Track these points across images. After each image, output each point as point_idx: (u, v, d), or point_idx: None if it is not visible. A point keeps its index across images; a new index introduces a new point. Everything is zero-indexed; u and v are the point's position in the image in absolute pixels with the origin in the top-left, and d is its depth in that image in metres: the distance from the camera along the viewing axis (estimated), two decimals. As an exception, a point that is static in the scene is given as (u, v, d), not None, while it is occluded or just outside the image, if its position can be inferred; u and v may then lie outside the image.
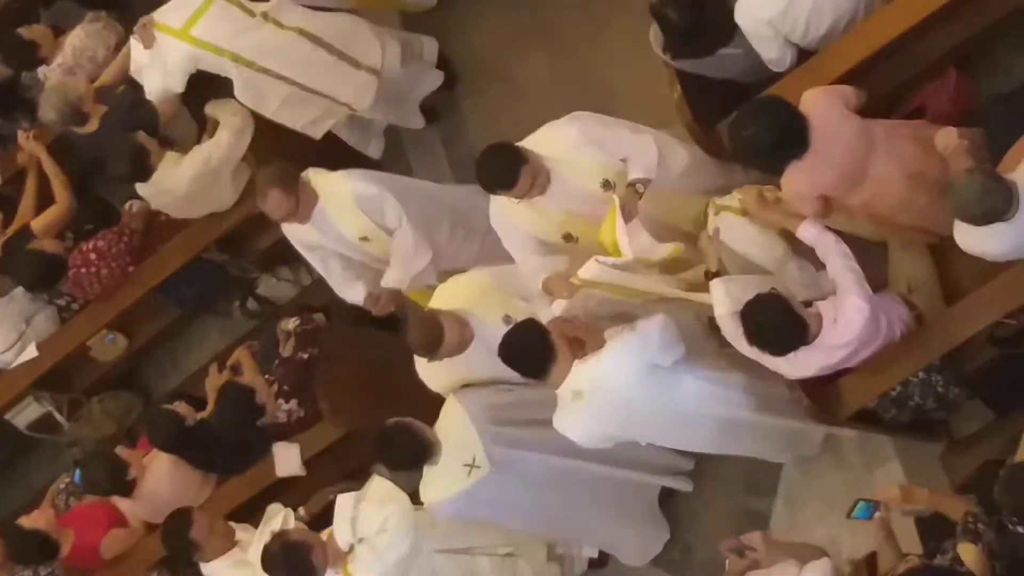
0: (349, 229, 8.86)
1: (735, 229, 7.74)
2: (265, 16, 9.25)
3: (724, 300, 7.49)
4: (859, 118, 7.33)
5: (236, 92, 9.35)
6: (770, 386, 7.94)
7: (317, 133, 9.57)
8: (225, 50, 9.23)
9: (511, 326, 7.93)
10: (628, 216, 7.86)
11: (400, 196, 8.79)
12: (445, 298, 8.46)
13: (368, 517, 8.36)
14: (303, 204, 8.77)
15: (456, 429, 8.29)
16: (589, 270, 7.79)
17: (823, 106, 7.29)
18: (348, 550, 8.41)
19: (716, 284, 7.57)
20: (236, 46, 9.23)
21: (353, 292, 9.17)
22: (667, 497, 8.91)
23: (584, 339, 7.80)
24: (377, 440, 8.32)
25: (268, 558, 8.31)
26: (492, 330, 8.15)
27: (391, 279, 8.88)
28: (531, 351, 7.78)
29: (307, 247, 9.10)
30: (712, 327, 7.97)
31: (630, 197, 7.84)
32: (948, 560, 7.14)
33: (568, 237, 8.18)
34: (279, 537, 8.38)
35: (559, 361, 7.70)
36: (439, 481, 8.33)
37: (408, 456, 8.30)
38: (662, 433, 8.05)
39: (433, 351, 8.20)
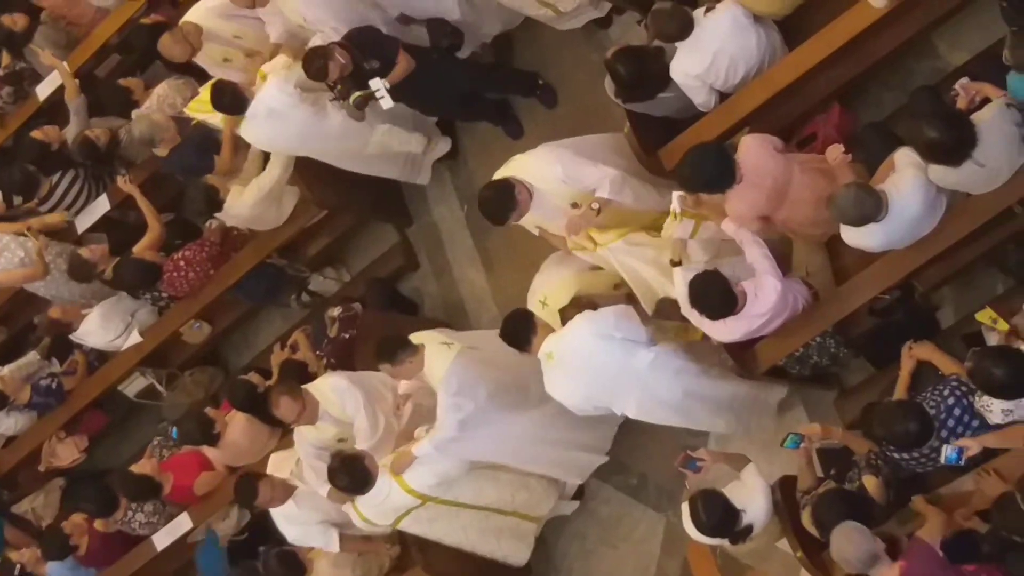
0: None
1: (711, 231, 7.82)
2: None
3: (681, 283, 7.54)
4: (782, 156, 7.41)
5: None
6: (709, 357, 7.98)
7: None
8: None
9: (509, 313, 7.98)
10: (573, 229, 8.01)
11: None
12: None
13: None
14: (310, 407, 8.65)
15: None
16: None
17: (755, 148, 7.40)
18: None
19: (677, 271, 7.62)
20: None
21: None
22: (623, 434, 8.81)
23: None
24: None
25: (332, 473, 8.23)
26: None
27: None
28: (517, 329, 7.85)
29: (317, 449, 8.72)
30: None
31: (587, 214, 7.91)
32: (855, 487, 7.23)
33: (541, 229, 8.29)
34: (336, 455, 8.28)
35: (539, 335, 7.76)
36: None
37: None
38: (630, 401, 7.91)
39: None
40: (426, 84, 8.88)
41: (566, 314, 8.03)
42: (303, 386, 8.74)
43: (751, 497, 7.43)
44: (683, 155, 7.48)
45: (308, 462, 8.72)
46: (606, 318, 7.73)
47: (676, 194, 7.65)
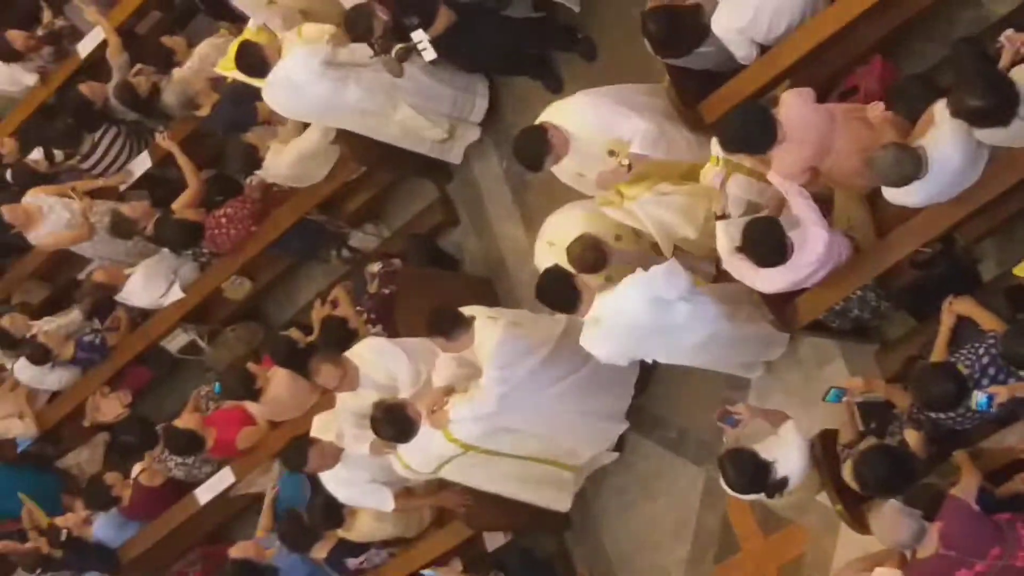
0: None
1: (740, 183, 7.72)
2: None
3: (724, 237, 7.51)
4: (824, 108, 7.34)
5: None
6: (743, 303, 7.96)
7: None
8: None
9: (545, 271, 7.89)
10: (603, 184, 7.98)
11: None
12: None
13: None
14: (351, 373, 8.66)
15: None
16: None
17: (797, 104, 7.33)
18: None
19: (720, 225, 7.57)
20: None
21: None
22: (661, 387, 8.89)
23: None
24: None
25: (375, 422, 8.24)
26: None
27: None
28: (562, 294, 7.78)
29: (358, 417, 8.64)
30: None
31: (618, 171, 7.90)
32: (896, 442, 7.22)
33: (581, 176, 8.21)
34: (379, 405, 8.29)
35: (584, 299, 7.72)
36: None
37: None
38: (660, 350, 8.01)
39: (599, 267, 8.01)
40: (467, 38, 8.85)
41: (572, 251, 7.98)
42: (344, 353, 8.75)
43: (786, 453, 7.44)
44: (723, 115, 7.45)
45: (348, 431, 8.73)
46: (656, 281, 7.63)
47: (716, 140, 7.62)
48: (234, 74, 9.51)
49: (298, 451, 8.82)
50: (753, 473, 7.35)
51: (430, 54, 8.70)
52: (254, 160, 9.84)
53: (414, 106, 9.31)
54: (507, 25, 9.16)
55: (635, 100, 8.07)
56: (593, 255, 7.98)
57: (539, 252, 8.52)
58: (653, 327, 7.73)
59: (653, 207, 8.01)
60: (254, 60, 9.11)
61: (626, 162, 7.86)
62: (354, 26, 8.63)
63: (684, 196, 7.96)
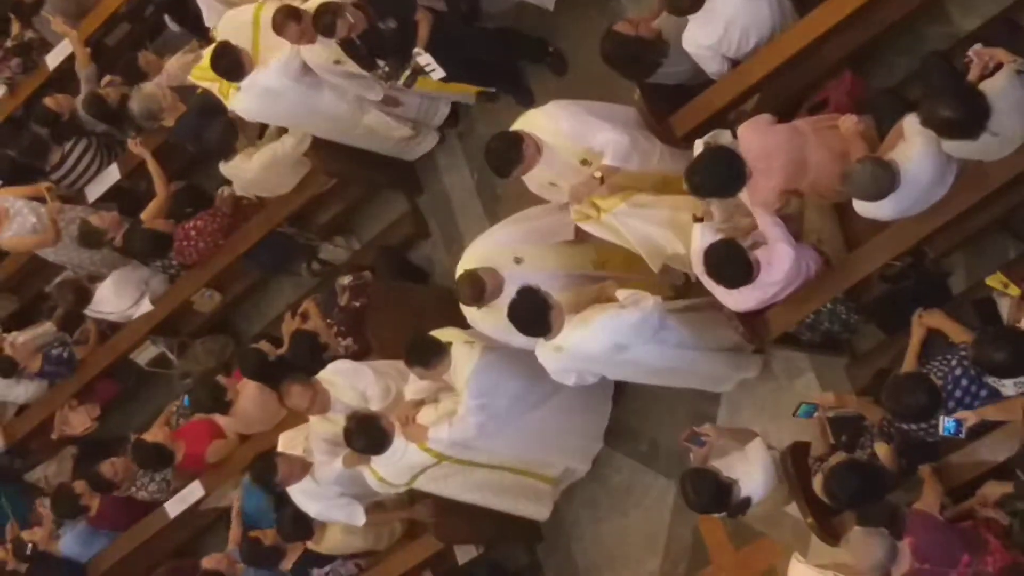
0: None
1: None
2: None
3: (699, 240, 7.50)
4: (785, 125, 7.35)
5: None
6: (720, 325, 7.99)
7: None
8: None
9: (519, 288, 7.76)
10: (577, 196, 7.94)
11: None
12: (466, 263, 8.25)
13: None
14: (321, 396, 8.59)
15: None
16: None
17: (751, 135, 7.34)
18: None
19: (697, 227, 7.54)
20: None
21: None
22: (634, 401, 8.89)
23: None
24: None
25: (349, 435, 8.22)
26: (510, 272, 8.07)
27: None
28: (536, 319, 7.72)
29: (329, 443, 8.63)
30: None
31: (590, 183, 7.88)
32: (866, 455, 7.21)
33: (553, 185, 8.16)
34: (353, 417, 8.27)
35: (556, 322, 7.69)
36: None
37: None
38: (618, 375, 8.15)
39: (480, 300, 7.99)
40: (439, 47, 8.81)
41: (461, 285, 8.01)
42: (314, 376, 8.72)
43: (750, 472, 7.45)
44: (691, 163, 7.38)
45: (318, 457, 8.71)
46: (625, 327, 7.65)
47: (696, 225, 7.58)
48: (205, 84, 9.49)
49: (266, 465, 8.78)
50: (713, 494, 7.36)
51: (439, 73, 8.70)
52: (230, 144, 9.73)
53: (382, 110, 9.32)
54: (479, 35, 9.15)
55: (609, 111, 8.06)
56: (471, 290, 7.96)
57: (494, 256, 8.31)
58: (610, 362, 7.83)
59: (635, 221, 7.95)
60: (230, 63, 9.06)
61: (598, 174, 7.85)
62: (317, 21, 8.62)
63: (667, 209, 7.92)
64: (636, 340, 7.69)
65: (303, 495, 8.83)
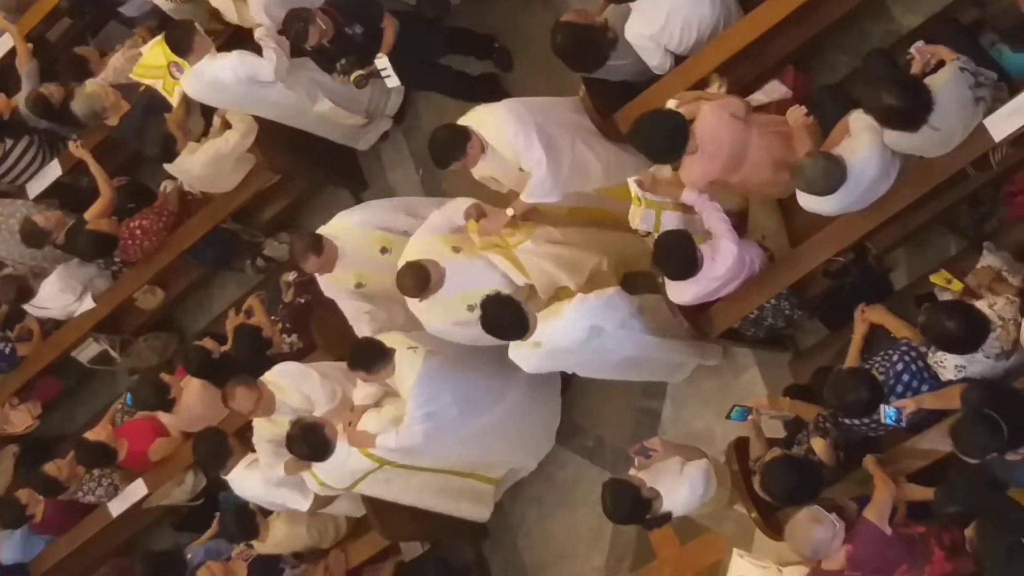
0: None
1: (672, 220, 7.65)
2: None
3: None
4: (740, 122, 7.34)
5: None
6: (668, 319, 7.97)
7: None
8: None
9: (482, 301, 7.66)
10: (486, 232, 7.98)
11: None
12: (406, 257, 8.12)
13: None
14: (266, 398, 8.52)
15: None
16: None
17: (711, 119, 7.32)
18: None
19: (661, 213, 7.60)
20: None
21: None
22: (580, 397, 8.89)
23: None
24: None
25: (291, 441, 8.19)
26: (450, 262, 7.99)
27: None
28: (514, 322, 7.69)
29: (274, 444, 8.60)
30: None
31: (500, 218, 7.96)
32: (803, 451, 7.23)
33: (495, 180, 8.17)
34: (296, 424, 8.22)
35: (532, 320, 7.67)
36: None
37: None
38: (587, 368, 8.12)
39: (424, 291, 7.90)
40: (407, 52, 8.78)
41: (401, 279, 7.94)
42: (259, 378, 8.64)
43: (675, 488, 7.45)
44: (635, 123, 7.40)
45: (264, 460, 8.67)
46: (599, 308, 7.68)
47: (632, 180, 7.61)
48: (151, 82, 9.39)
49: (214, 439, 8.84)
50: (630, 507, 7.36)
51: (393, 81, 8.66)
52: (171, 150, 9.59)
53: (333, 100, 9.25)
54: (431, 31, 9.09)
55: (560, 119, 8.03)
56: (414, 281, 7.89)
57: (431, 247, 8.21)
58: (584, 350, 7.80)
59: (532, 255, 7.98)
60: (182, 40, 8.96)
61: (511, 212, 7.91)
62: (287, 28, 8.57)
63: (573, 250, 7.98)
64: (610, 320, 7.67)
65: (246, 483, 8.82)
